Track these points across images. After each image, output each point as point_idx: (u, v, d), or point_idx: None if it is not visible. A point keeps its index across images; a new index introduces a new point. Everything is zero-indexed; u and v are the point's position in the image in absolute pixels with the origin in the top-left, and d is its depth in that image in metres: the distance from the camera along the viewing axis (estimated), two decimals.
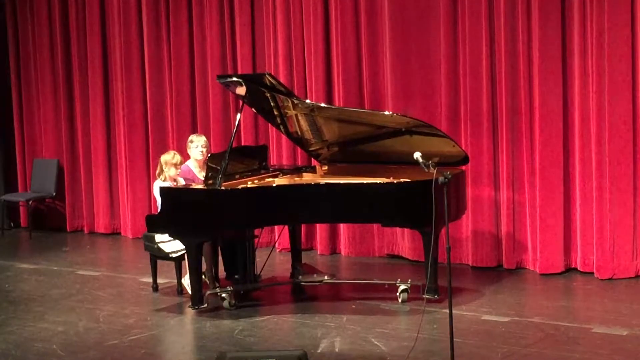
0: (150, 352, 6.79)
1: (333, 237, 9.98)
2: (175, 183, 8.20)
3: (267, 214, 7.65)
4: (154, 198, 8.53)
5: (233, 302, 7.77)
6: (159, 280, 8.55)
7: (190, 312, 7.75)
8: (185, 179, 8.28)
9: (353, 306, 7.78)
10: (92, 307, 8.03)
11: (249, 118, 10.20)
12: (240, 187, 7.78)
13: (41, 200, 12.00)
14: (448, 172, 6.46)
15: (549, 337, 6.76)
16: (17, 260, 10.23)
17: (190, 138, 8.48)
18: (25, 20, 11.98)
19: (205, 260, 8.06)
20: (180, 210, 7.69)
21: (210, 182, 7.67)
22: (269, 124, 9.37)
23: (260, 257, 8.55)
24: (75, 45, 11.57)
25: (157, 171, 8.30)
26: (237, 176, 8.07)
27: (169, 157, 8.25)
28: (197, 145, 8.36)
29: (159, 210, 7.93)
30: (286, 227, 8.95)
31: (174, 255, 8.19)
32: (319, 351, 6.59)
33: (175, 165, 8.21)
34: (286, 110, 8.24)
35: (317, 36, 9.74)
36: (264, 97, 8.16)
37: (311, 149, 8.63)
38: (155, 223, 7.85)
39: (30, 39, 11.96)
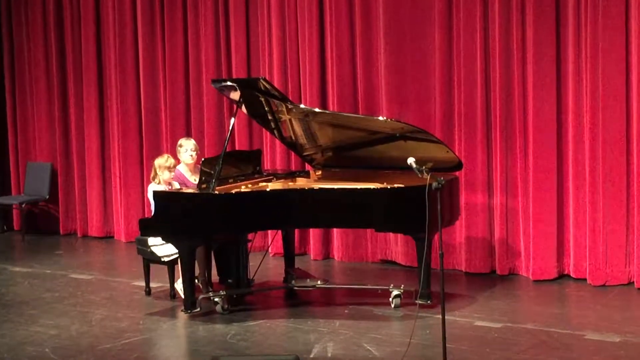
0: (142, 356, 6.78)
1: (326, 242, 9.98)
2: (170, 187, 8.20)
3: (261, 219, 7.65)
4: (148, 201, 8.53)
5: (226, 306, 7.77)
6: (152, 284, 8.54)
7: (183, 316, 7.74)
8: (178, 183, 8.28)
9: (346, 311, 7.78)
10: (85, 311, 8.02)
11: (243, 122, 10.20)
12: (233, 191, 7.78)
13: (34, 204, 11.99)
14: (442, 178, 6.48)
15: (542, 343, 6.77)
16: (10, 263, 10.21)
17: (179, 142, 8.46)
18: (19, 24, 11.97)
19: (198, 264, 8.05)
20: (174, 214, 7.69)
21: (204, 186, 7.67)
22: (263, 129, 9.37)
23: (253, 261, 8.55)
24: (70, 48, 11.57)
25: (152, 175, 8.31)
26: (231, 180, 8.07)
27: (163, 160, 8.26)
28: (187, 149, 8.35)
29: (152, 213, 7.92)
30: (279, 231, 8.94)
31: (166, 259, 8.18)
32: (311, 356, 6.59)
33: (169, 169, 8.21)
34: (280, 115, 8.25)
35: (311, 41, 9.75)
36: (258, 101, 8.16)
37: (305, 153, 8.63)
38: (149, 227, 7.84)
39: (25, 43, 11.95)
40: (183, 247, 7.68)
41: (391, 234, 9.47)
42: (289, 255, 8.78)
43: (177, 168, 8.37)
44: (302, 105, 8.75)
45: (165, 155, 8.38)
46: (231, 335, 7.16)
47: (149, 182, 8.47)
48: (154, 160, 8.44)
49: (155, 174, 8.24)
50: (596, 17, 8.22)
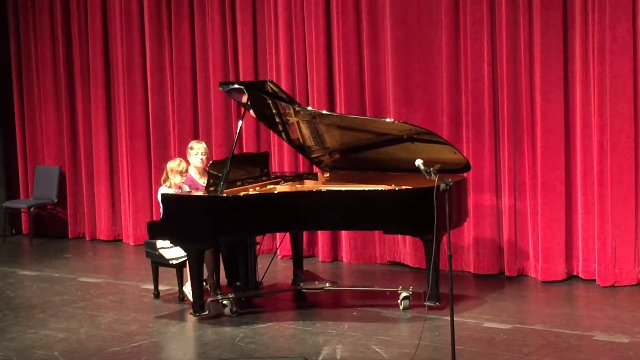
0: (151, 359, 6.79)
1: (334, 244, 9.98)
2: (180, 190, 8.19)
3: (269, 221, 7.66)
4: (157, 204, 8.53)
5: (234, 309, 7.77)
6: (161, 287, 8.54)
7: (191, 319, 7.75)
8: (187, 186, 8.28)
9: (354, 313, 7.78)
10: (93, 314, 8.04)
11: (251, 125, 10.21)
12: (241, 194, 7.78)
13: (43, 207, 12.00)
14: (449, 180, 6.48)
15: (551, 344, 6.76)
16: (18, 267, 10.23)
17: (190, 145, 8.47)
18: (27, 27, 11.99)
19: (206, 267, 8.05)
20: (182, 217, 7.69)
21: (212, 189, 7.68)
22: (271, 131, 9.38)
23: (261, 264, 8.56)
24: (77, 52, 11.59)
25: (163, 177, 8.29)
26: (239, 183, 8.06)
27: (175, 164, 8.24)
28: (197, 153, 8.35)
29: (161, 216, 7.92)
30: (288, 234, 8.95)
31: (175, 262, 8.19)
32: (320, 358, 6.59)
33: (181, 173, 8.19)
34: (288, 117, 8.25)
35: (318, 43, 9.75)
36: (265, 104, 8.17)
37: (313, 156, 8.63)
38: (157, 229, 7.85)
39: (33, 46, 11.97)
40: (191, 250, 7.68)
41: (399, 236, 9.47)
42: (297, 257, 8.78)
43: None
44: (309, 108, 8.75)
45: (178, 159, 8.36)
46: (240, 338, 7.16)
47: (157, 185, 8.47)
48: (162, 163, 8.45)
49: (167, 176, 8.23)
50: (603, 18, 8.21)
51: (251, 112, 8.33)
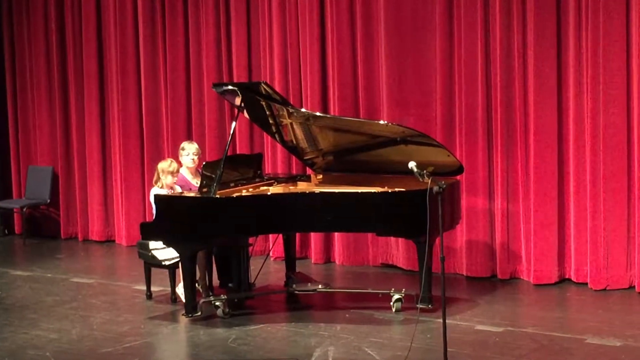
0: None
1: (327, 246, 9.98)
2: (172, 191, 8.19)
3: (262, 223, 7.66)
4: (149, 205, 8.51)
5: (227, 310, 7.77)
6: (153, 288, 8.54)
7: (184, 320, 7.75)
8: (180, 187, 8.28)
9: (347, 315, 7.78)
10: (85, 315, 8.03)
11: (244, 126, 10.20)
12: (234, 195, 7.78)
13: (35, 207, 11.98)
14: (442, 182, 6.49)
15: (543, 347, 6.77)
16: (11, 267, 10.21)
17: (182, 145, 8.47)
18: (21, 27, 11.97)
19: (199, 268, 8.05)
20: (175, 218, 7.69)
21: (205, 190, 7.67)
22: (264, 133, 9.37)
23: (254, 265, 8.56)
24: (71, 52, 11.57)
25: (154, 178, 8.29)
26: (232, 184, 8.06)
27: (166, 164, 8.24)
28: (189, 153, 8.35)
29: (153, 217, 7.92)
30: (280, 235, 8.95)
31: (167, 262, 8.18)
32: None
33: (172, 174, 8.19)
34: (281, 119, 8.25)
35: (312, 45, 9.75)
36: (259, 105, 8.17)
37: (306, 157, 8.63)
38: (150, 231, 7.85)
39: (26, 47, 11.95)
40: (184, 251, 7.68)
41: (392, 238, 9.47)
42: (290, 259, 8.78)
43: (180, 171, 8.36)
44: (303, 109, 8.75)
45: (169, 160, 8.36)
46: (232, 340, 7.16)
47: (150, 187, 8.46)
48: (155, 164, 8.44)
49: (158, 177, 8.23)
50: (597, 21, 8.22)
51: (245, 113, 8.33)
